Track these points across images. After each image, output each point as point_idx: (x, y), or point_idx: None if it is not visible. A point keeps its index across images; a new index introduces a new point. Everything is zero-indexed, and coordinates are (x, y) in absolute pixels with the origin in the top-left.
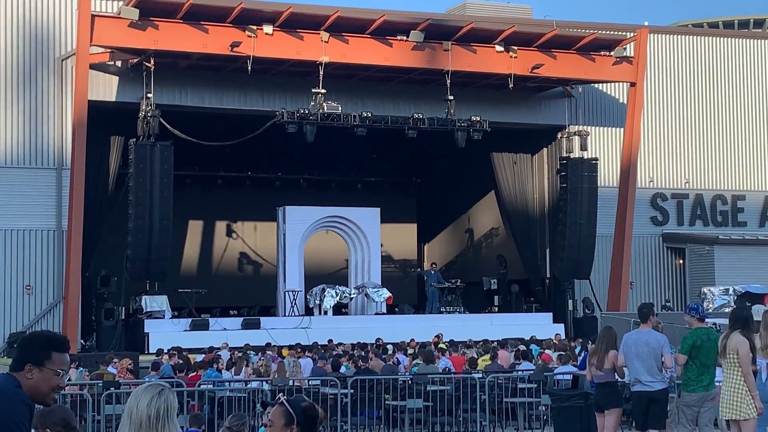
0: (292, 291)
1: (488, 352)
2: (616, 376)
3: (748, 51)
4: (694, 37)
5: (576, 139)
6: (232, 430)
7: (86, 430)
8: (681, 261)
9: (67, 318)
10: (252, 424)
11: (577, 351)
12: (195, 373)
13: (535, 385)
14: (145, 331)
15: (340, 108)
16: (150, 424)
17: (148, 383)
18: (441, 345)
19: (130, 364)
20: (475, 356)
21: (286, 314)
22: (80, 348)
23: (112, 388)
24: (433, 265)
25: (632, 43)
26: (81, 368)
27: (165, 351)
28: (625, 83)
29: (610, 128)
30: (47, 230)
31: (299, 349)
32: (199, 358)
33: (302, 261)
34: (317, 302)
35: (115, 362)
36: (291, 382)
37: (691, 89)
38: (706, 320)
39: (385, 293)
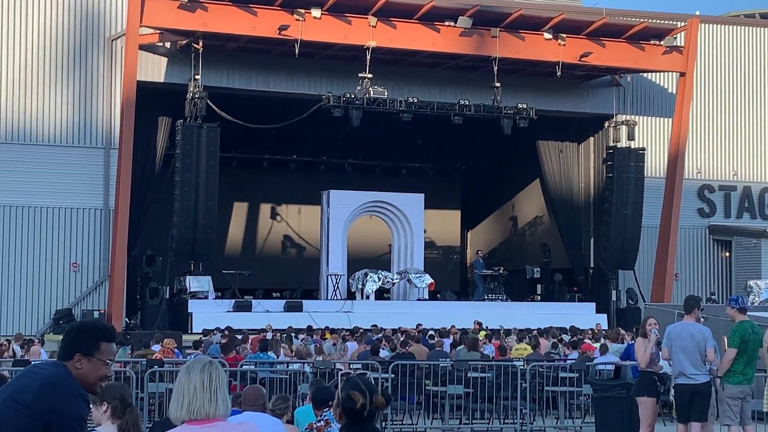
0: (335, 275)
1: (523, 340)
2: (663, 365)
3: None
4: (746, 27)
5: (623, 129)
6: (276, 413)
7: None
8: (727, 254)
9: (112, 296)
10: (295, 405)
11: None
12: (233, 354)
13: (577, 375)
14: (189, 311)
15: (386, 93)
16: (203, 389)
17: (198, 357)
18: (482, 332)
19: (175, 346)
20: (514, 343)
21: (329, 298)
22: (125, 326)
23: (156, 367)
24: (479, 253)
25: (683, 33)
26: (125, 346)
27: (211, 330)
28: (674, 73)
29: (658, 118)
30: (94, 209)
31: (345, 333)
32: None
33: (345, 245)
34: (359, 286)
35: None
36: (333, 365)
37: (741, 80)
38: (748, 313)
39: (428, 279)
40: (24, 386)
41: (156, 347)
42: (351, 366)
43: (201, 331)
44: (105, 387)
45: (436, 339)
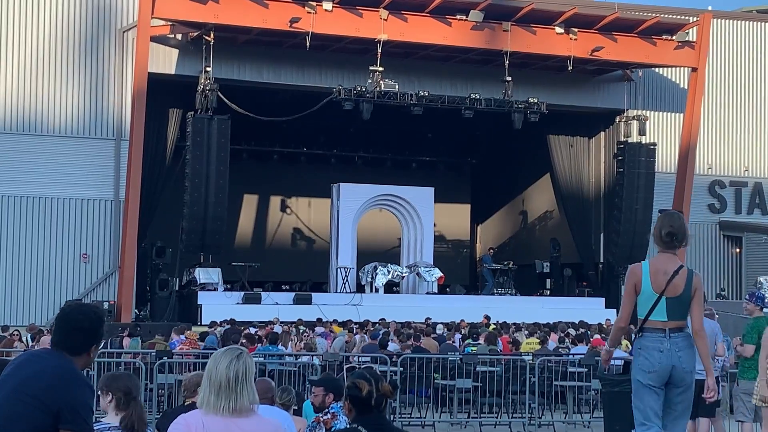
0: (345, 268)
1: (533, 335)
2: None
3: None
4: (759, 23)
5: (634, 124)
6: (286, 406)
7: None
8: (738, 250)
9: (122, 287)
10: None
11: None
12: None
13: (586, 370)
14: (198, 302)
15: (397, 86)
16: (229, 386)
17: (227, 347)
18: (492, 326)
19: (198, 336)
20: (519, 340)
21: (338, 291)
22: (134, 317)
23: (165, 358)
24: (490, 250)
25: (695, 28)
26: (135, 338)
27: (219, 322)
28: (686, 68)
29: (669, 113)
30: (105, 200)
31: (354, 326)
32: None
33: (355, 238)
34: (369, 280)
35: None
36: (341, 358)
37: (753, 76)
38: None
39: (437, 273)
40: (31, 377)
41: (175, 340)
42: (360, 359)
43: (209, 323)
44: (112, 377)
45: (445, 333)
